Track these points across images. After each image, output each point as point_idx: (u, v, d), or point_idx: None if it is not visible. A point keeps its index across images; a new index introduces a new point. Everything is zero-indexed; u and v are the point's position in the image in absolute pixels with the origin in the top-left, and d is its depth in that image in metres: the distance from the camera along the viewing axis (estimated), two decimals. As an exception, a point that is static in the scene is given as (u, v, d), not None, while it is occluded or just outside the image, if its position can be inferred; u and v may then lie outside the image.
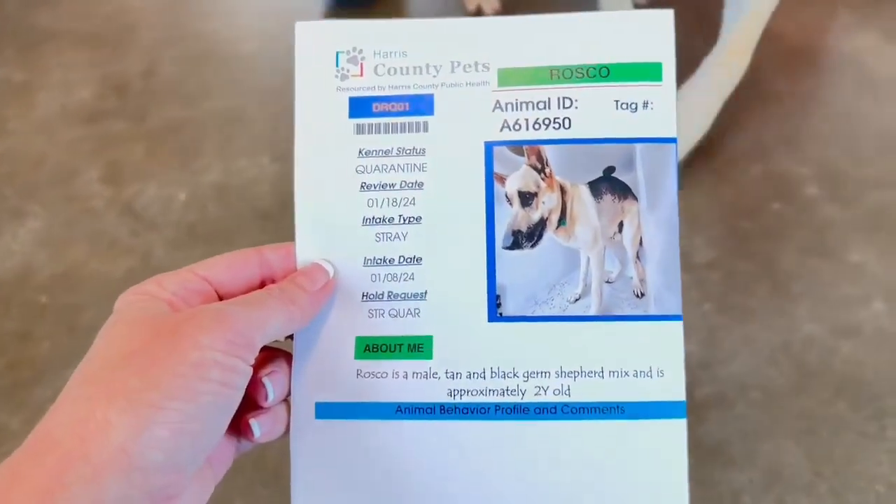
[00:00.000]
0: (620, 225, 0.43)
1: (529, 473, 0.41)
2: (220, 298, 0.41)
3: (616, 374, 0.42)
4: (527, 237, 0.43)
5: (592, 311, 0.43)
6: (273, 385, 0.41)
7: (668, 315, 0.42)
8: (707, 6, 1.28)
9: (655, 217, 0.43)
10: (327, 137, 0.45)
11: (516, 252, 0.43)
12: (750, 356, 0.97)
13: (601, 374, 0.42)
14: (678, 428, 0.42)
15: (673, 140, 0.43)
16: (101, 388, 0.32)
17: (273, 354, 0.43)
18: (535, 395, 0.42)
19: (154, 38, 1.63)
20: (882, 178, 1.22)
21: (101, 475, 0.30)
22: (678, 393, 0.43)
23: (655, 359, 0.43)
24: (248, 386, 0.37)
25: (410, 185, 0.43)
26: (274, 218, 1.20)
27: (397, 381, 0.42)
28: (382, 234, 0.43)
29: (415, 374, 0.42)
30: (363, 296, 0.43)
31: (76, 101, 1.45)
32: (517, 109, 0.43)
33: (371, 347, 0.43)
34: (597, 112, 0.43)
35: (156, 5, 1.75)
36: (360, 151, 0.44)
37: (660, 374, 0.43)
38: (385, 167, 0.44)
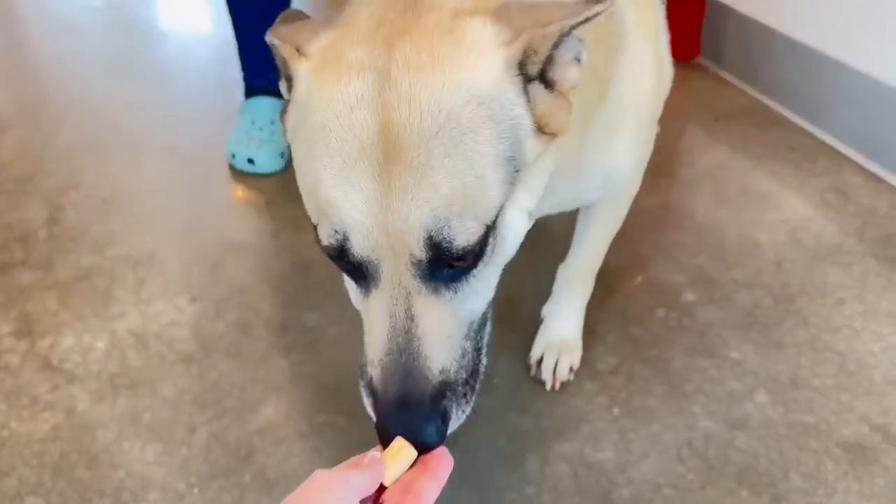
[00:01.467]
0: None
1: None
2: None
3: None
4: None
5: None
6: None
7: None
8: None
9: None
10: None
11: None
12: (659, 456, 1.08)
13: None
14: None
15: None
16: None
17: None
18: None
19: (53, 185, 1.64)
20: (747, 279, 1.39)
21: None
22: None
23: None
24: None
25: None
26: (197, 361, 1.22)
27: None
28: None
29: None
30: None
31: (-23, 254, 1.44)
32: None
33: None
34: None
35: (53, 152, 1.77)
36: None
37: None
38: None
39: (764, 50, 2.04)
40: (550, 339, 1.22)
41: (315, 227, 0.65)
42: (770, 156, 1.79)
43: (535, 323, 1.27)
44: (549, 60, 0.63)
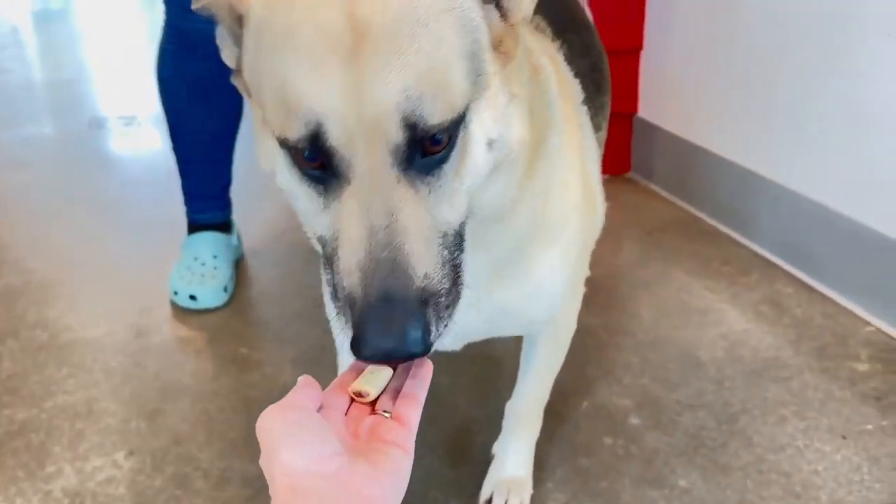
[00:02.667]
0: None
1: None
2: None
3: None
4: None
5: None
6: None
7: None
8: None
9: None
10: None
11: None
12: None
13: None
14: None
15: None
16: None
17: None
18: None
19: (-11, 332, 1.61)
20: (690, 400, 1.41)
21: None
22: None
23: None
24: None
25: None
26: (135, 521, 1.18)
27: None
28: None
29: None
30: None
31: None
32: None
33: None
34: None
35: (-11, 297, 1.74)
36: None
37: None
38: None
39: (690, 165, 2.14)
40: (500, 477, 1.21)
41: (283, 145, 0.65)
42: (704, 269, 1.84)
43: (486, 456, 1.26)
44: None
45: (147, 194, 2.35)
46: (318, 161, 0.63)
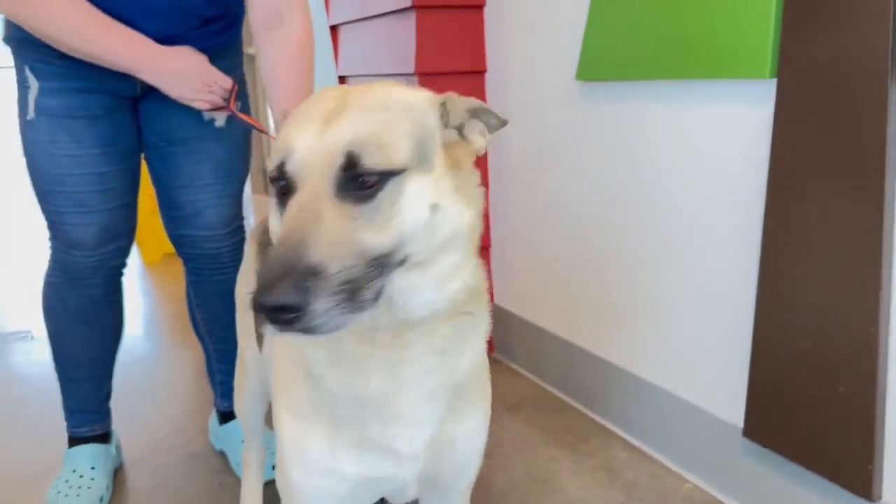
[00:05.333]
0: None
1: None
2: None
3: None
4: None
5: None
6: None
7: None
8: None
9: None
10: None
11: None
12: None
13: None
14: None
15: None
16: None
17: None
18: None
19: None
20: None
21: None
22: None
23: None
24: None
25: None
26: None
27: None
28: None
29: None
30: None
31: None
32: None
33: None
34: None
35: None
36: None
37: None
38: None
39: (541, 345, 2.40)
40: None
41: (271, 181, 0.87)
42: (550, 439, 2.05)
43: None
44: (463, 125, 0.91)
45: (34, 410, 2.43)
46: (284, 188, 0.85)
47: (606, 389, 2.11)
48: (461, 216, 0.88)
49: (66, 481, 1.82)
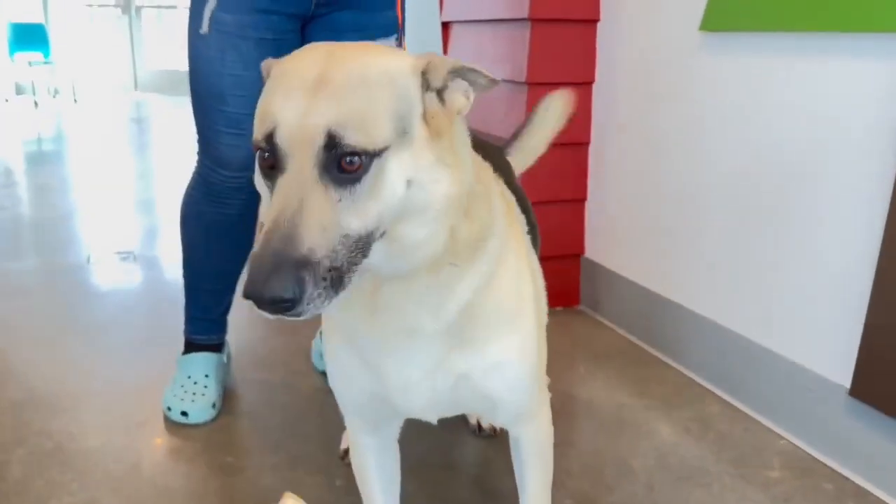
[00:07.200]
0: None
1: None
2: None
3: None
4: None
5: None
6: None
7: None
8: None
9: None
10: None
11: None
12: None
13: None
14: None
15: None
16: None
17: None
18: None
19: (0, 441, 1.78)
20: (625, 501, 1.61)
21: None
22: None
23: None
24: None
25: None
26: None
27: None
28: None
29: None
30: None
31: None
32: None
33: None
34: None
35: (0, 409, 1.91)
36: None
37: None
38: None
39: (631, 299, 2.42)
40: None
41: (255, 148, 0.87)
42: (642, 390, 2.08)
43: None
44: (445, 86, 0.91)
45: (140, 320, 2.57)
46: (270, 160, 0.86)
47: (700, 345, 2.14)
48: (437, 186, 0.89)
49: (182, 386, 1.93)
